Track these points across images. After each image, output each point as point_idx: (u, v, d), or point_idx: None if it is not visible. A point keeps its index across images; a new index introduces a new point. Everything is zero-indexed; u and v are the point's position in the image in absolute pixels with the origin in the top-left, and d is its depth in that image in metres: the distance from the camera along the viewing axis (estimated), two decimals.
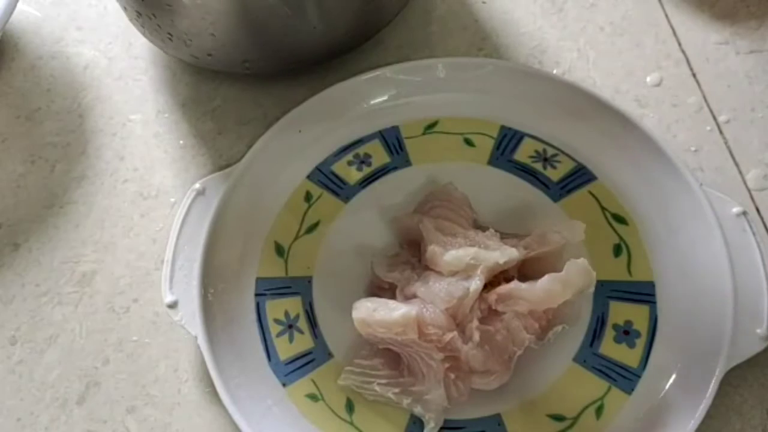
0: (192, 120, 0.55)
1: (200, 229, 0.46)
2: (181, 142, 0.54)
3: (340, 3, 0.48)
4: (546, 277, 0.40)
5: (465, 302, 0.41)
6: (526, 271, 0.44)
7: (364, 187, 0.50)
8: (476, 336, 0.41)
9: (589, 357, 0.43)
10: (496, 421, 0.42)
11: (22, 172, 0.53)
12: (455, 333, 0.41)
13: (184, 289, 0.44)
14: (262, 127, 0.51)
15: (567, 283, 0.40)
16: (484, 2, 0.59)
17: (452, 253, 0.42)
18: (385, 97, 0.52)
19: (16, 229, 0.51)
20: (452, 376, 0.41)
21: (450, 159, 0.50)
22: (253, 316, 0.45)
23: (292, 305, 0.46)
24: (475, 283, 0.41)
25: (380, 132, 0.51)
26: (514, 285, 0.41)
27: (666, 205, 0.46)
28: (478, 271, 0.41)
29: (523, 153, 0.50)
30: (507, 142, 0.50)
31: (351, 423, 0.42)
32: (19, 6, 0.54)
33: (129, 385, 0.45)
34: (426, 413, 0.41)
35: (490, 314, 0.42)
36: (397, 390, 0.42)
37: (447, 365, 0.41)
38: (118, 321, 0.47)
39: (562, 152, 0.49)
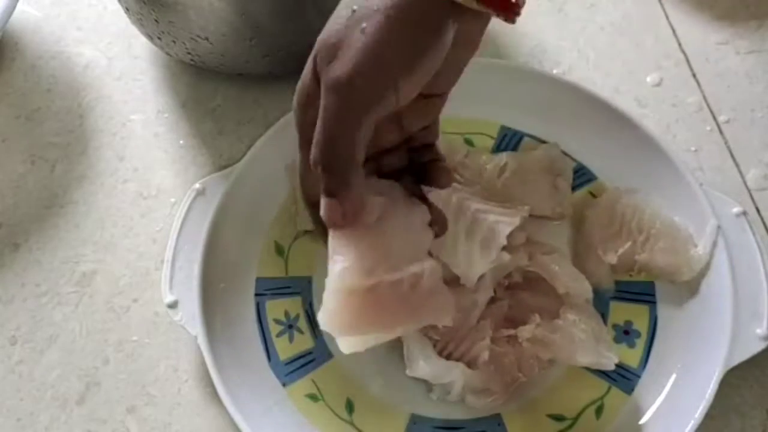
0: (192, 120, 0.55)
1: (200, 229, 0.46)
2: (181, 142, 0.54)
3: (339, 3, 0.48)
4: (589, 360, 0.40)
5: (472, 314, 0.41)
6: (528, 274, 0.44)
7: None
8: (485, 355, 0.41)
9: None
10: (496, 421, 0.42)
11: (22, 172, 0.53)
12: None
13: (184, 289, 0.44)
14: (262, 127, 0.51)
15: (599, 365, 0.41)
16: None
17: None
18: None
19: (16, 229, 0.51)
20: None
21: (450, 159, 0.50)
22: (253, 316, 0.45)
23: (292, 305, 0.46)
24: (483, 295, 0.41)
25: None
26: (556, 337, 0.41)
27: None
28: (487, 282, 0.41)
29: None
30: (507, 142, 0.50)
31: (351, 423, 0.42)
32: (19, 6, 0.54)
33: (129, 385, 0.45)
34: None
35: (504, 337, 0.42)
36: None
37: None
38: (118, 321, 0.47)
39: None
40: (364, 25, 0.31)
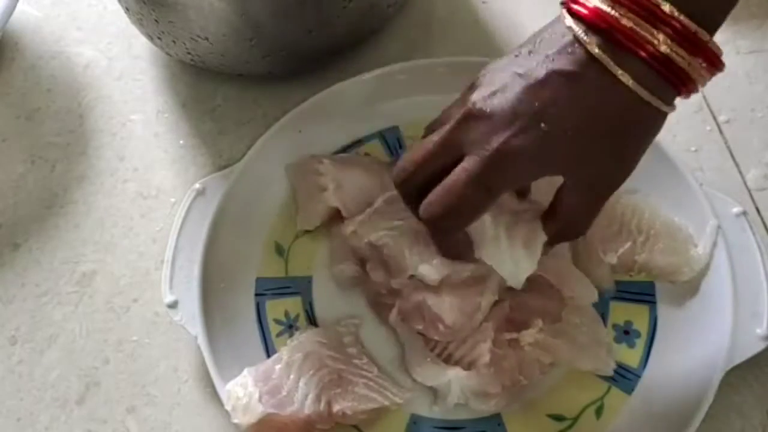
0: (192, 120, 0.55)
1: (200, 229, 0.46)
2: (181, 142, 0.54)
3: (339, 3, 0.48)
4: (590, 365, 0.41)
5: (475, 317, 0.41)
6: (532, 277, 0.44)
7: None
8: (486, 357, 0.40)
9: None
10: (496, 421, 0.42)
11: (22, 172, 0.53)
12: None
13: (184, 289, 0.44)
14: (262, 127, 0.51)
15: (599, 371, 0.41)
16: (484, 2, 0.59)
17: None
18: (385, 97, 0.52)
19: (16, 229, 0.51)
20: None
21: None
22: (253, 316, 0.45)
23: (292, 305, 0.46)
24: (487, 299, 0.41)
25: (380, 132, 0.51)
26: (558, 341, 0.41)
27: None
28: (492, 286, 0.41)
29: None
30: None
31: (351, 422, 0.42)
32: (19, 6, 0.54)
33: (129, 385, 0.45)
34: None
35: (505, 339, 0.42)
36: None
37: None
38: (118, 321, 0.47)
39: None
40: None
